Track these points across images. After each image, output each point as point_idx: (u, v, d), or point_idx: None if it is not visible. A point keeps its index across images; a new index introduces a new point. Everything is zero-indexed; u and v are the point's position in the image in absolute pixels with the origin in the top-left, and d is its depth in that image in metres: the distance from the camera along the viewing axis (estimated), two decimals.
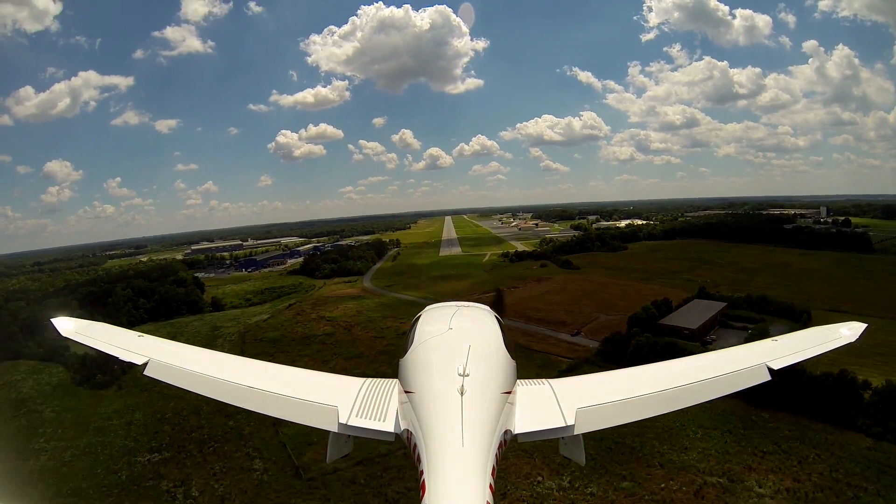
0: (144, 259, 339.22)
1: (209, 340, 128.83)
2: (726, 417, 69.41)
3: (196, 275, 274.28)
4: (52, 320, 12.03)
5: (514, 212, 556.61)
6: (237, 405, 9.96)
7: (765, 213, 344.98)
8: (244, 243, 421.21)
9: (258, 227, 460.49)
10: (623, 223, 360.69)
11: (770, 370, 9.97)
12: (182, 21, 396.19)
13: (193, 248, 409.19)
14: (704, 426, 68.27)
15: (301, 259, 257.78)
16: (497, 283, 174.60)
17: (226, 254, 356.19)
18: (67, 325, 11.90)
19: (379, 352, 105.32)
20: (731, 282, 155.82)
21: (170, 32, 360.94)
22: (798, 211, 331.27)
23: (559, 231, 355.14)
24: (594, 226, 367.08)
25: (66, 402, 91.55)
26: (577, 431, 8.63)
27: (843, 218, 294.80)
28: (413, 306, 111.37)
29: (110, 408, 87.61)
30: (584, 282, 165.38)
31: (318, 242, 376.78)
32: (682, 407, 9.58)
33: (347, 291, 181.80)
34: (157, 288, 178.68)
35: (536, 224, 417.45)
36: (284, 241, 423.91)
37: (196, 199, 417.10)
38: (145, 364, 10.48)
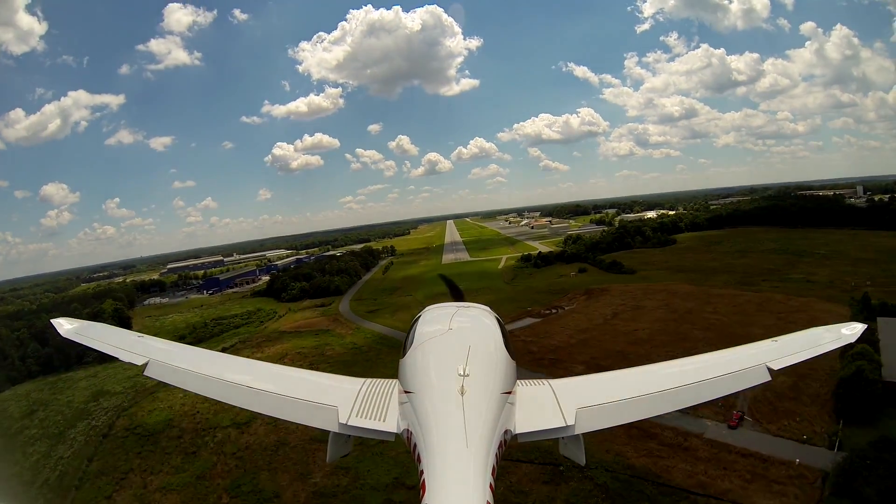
0: (119, 280, 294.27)
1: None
2: None
3: (151, 300, 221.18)
4: (52, 321, 11.47)
5: (518, 212, 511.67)
6: (238, 405, 9.65)
7: (803, 194, 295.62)
8: (226, 259, 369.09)
9: (259, 241, 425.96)
10: (650, 214, 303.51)
11: (770, 370, 9.59)
12: (166, 32, 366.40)
13: (171, 266, 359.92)
14: None
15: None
16: (527, 299, 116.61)
17: (200, 272, 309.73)
18: (67, 326, 11.29)
19: None
20: (868, 279, 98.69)
21: (154, 45, 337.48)
22: (833, 192, 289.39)
23: (579, 227, 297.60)
24: (618, 219, 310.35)
25: None
26: (577, 431, 8.33)
27: (887, 196, 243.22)
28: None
29: None
30: (661, 293, 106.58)
31: (305, 254, 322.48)
32: (682, 407, 9.34)
33: (313, 322, 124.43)
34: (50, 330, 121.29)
35: (550, 221, 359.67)
36: (270, 254, 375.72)
37: (196, 217, 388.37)
38: (145, 364, 10.03)
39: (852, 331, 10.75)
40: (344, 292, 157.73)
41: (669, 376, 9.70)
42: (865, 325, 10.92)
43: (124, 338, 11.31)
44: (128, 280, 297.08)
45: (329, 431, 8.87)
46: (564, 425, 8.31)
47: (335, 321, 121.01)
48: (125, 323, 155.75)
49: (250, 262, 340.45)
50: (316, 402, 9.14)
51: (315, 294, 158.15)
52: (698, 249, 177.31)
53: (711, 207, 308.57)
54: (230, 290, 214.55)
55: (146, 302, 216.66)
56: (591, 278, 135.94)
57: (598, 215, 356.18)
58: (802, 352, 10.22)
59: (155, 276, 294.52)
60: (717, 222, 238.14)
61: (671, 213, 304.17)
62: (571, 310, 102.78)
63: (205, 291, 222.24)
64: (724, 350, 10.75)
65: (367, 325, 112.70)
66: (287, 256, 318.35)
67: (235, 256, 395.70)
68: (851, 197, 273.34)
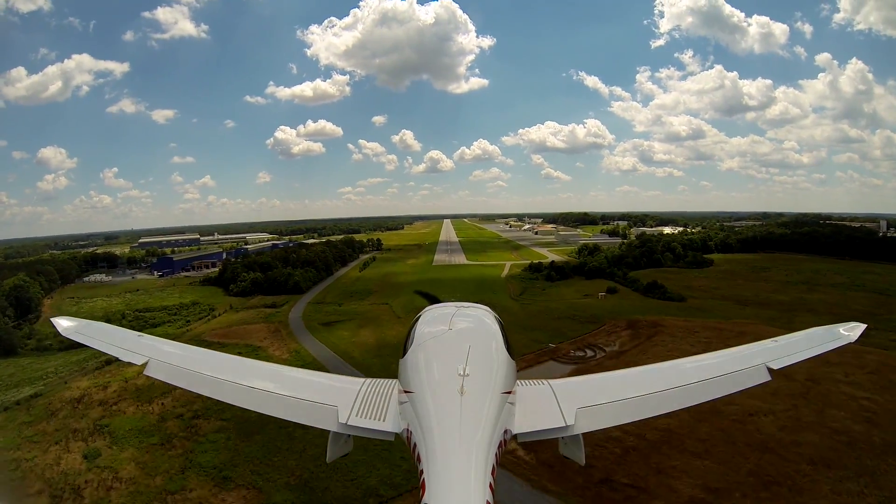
0: (91, 251, 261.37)
1: None
2: None
3: (94, 277, 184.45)
4: (52, 319, 11.38)
5: (518, 217, 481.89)
6: (238, 405, 9.50)
7: (838, 224, 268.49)
8: (203, 238, 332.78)
9: (257, 224, 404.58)
10: (667, 230, 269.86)
11: (770, 370, 9.53)
12: (174, 1, 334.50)
13: (143, 241, 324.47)
14: None
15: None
16: (544, 327, 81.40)
17: (169, 249, 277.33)
18: (66, 324, 11.34)
19: None
20: None
21: (161, 14, 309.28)
22: (853, 224, 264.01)
23: (589, 236, 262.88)
24: (631, 231, 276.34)
25: None
26: (576, 431, 8.28)
27: None
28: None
29: None
30: (747, 340, 70.89)
31: (287, 240, 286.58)
32: (682, 407, 9.14)
33: (248, 330, 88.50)
34: None
35: (556, 227, 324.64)
36: (250, 236, 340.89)
37: (194, 194, 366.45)
38: (145, 364, 10.00)
39: (852, 331, 10.58)
40: (304, 291, 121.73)
41: (669, 376, 9.49)
42: (865, 326, 10.66)
43: (124, 337, 11.13)
44: (98, 251, 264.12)
45: (329, 431, 8.65)
46: (564, 425, 8.11)
47: (275, 333, 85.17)
48: (24, 306, 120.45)
49: (226, 243, 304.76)
50: (316, 401, 8.96)
51: (269, 289, 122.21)
52: (745, 275, 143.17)
53: (736, 230, 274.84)
54: (184, 274, 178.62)
55: (87, 278, 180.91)
56: (627, 303, 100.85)
57: (608, 226, 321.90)
58: (802, 352, 10.06)
59: (126, 250, 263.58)
60: (749, 245, 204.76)
61: (693, 230, 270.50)
62: (615, 353, 67.50)
63: (155, 272, 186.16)
64: (724, 350, 10.66)
65: (315, 345, 77.12)
66: (267, 241, 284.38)
67: (216, 236, 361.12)
68: (880, 231, 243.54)
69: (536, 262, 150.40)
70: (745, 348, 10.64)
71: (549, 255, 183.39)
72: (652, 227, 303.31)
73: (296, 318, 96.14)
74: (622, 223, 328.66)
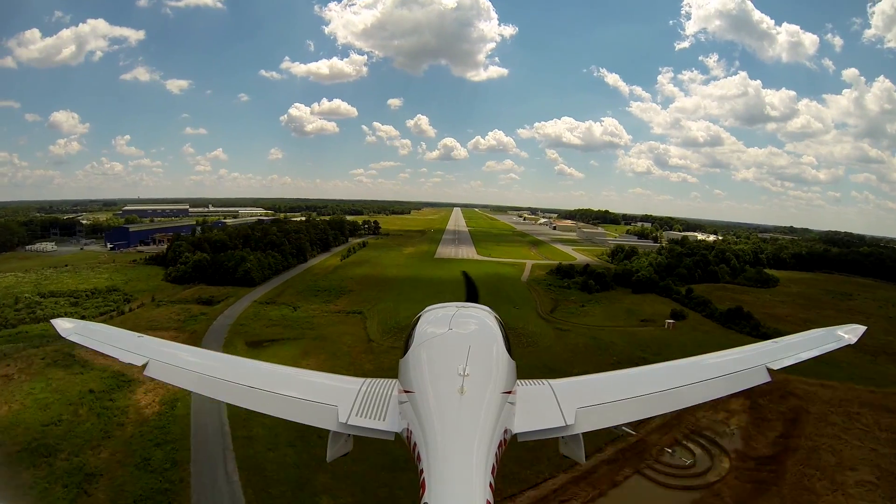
0: (69, 217, 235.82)
1: None
2: None
3: (37, 246, 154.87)
4: (52, 321, 11.14)
5: (532, 210, 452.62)
6: (238, 405, 9.21)
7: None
8: (192, 209, 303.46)
9: (267, 200, 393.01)
10: (699, 236, 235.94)
11: (769, 371, 9.30)
12: None
13: (126, 208, 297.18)
14: None
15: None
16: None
17: (152, 219, 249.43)
18: (65, 325, 10.91)
19: None
20: None
21: None
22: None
23: (616, 237, 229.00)
24: (660, 234, 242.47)
25: None
26: (576, 431, 8.19)
27: None
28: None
29: None
30: None
31: (280, 216, 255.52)
32: (682, 407, 9.06)
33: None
34: None
35: (576, 223, 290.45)
36: (243, 211, 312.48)
37: (205, 166, 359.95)
38: (145, 364, 9.59)
39: (851, 333, 10.52)
40: (258, 283, 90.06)
41: (670, 376, 9.39)
42: (864, 328, 10.51)
43: (124, 338, 10.83)
44: (80, 218, 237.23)
45: (329, 431, 8.48)
46: (564, 425, 8.13)
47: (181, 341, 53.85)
48: None
49: (213, 216, 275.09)
50: (316, 401, 8.78)
51: (214, 277, 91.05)
52: (827, 303, 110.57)
53: (765, 242, 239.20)
54: (139, 248, 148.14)
55: (30, 247, 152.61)
56: (709, 339, 68.35)
57: (634, 226, 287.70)
58: (802, 353, 10.01)
59: (105, 217, 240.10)
60: (805, 263, 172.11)
61: (727, 238, 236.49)
62: (741, 453, 34.91)
63: (107, 244, 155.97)
64: (724, 350, 10.51)
65: (200, 397, 45.20)
66: (257, 217, 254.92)
67: (210, 208, 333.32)
68: None
69: (567, 263, 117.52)
70: (745, 349, 10.39)
71: (576, 255, 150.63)
72: (679, 231, 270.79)
73: (222, 327, 64.92)
74: (646, 224, 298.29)
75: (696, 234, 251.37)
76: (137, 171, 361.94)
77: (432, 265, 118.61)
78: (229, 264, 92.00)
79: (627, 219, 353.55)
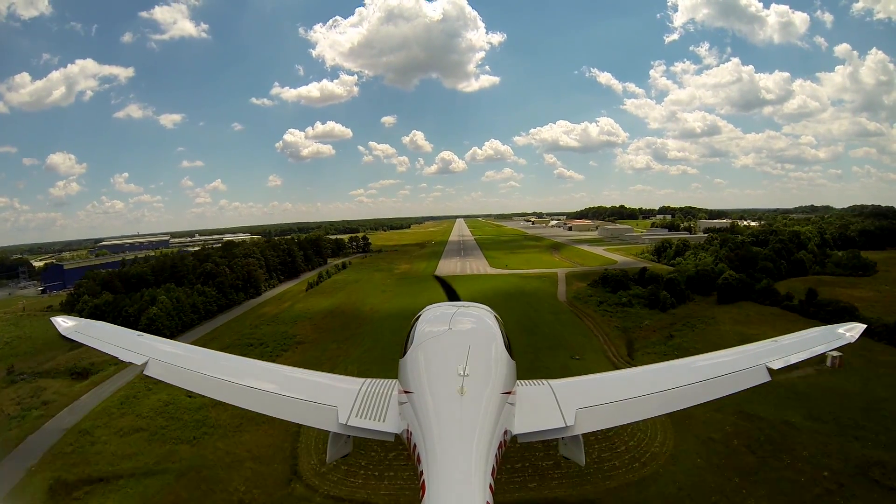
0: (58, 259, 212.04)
1: None
2: None
3: None
4: (52, 319, 11.01)
5: (537, 215, 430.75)
6: (238, 405, 9.02)
7: None
8: (174, 240, 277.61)
9: (269, 227, 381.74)
10: (744, 223, 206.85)
11: (769, 370, 9.17)
12: (171, 0, 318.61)
13: (104, 243, 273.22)
14: None
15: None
16: None
17: (136, 252, 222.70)
18: (66, 324, 10.89)
19: None
20: None
21: (159, 13, 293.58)
22: None
23: (643, 232, 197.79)
24: (695, 224, 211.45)
25: None
26: (576, 432, 8.08)
27: None
28: None
29: None
30: None
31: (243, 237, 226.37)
32: (682, 407, 8.85)
33: None
34: None
35: (593, 222, 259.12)
36: (228, 238, 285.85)
37: (205, 198, 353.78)
38: (145, 364, 9.52)
39: (851, 331, 10.33)
40: (174, 333, 59.66)
41: (670, 377, 9.25)
42: (864, 326, 10.40)
43: (124, 337, 10.72)
44: (61, 258, 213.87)
45: (329, 431, 8.36)
46: (564, 425, 7.97)
47: None
48: None
49: (193, 245, 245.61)
50: (316, 401, 8.63)
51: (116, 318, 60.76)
52: None
53: (827, 218, 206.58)
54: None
55: None
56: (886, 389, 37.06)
57: (660, 219, 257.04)
58: (802, 352, 9.78)
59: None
60: (876, 240, 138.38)
61: (786, 220, 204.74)
62: None
63: (43, 285, 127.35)
64: (723, 350, 10.34)
65: None
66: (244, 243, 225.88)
67: (196, 237, 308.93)
68: None
69: (611, 270, 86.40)
70: (745, 349, 10.11)
71: (612, 256, 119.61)
72: (706, 219, 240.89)
73: (35, 447, 34.05)
74: (665, 217, 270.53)
75: (724, 221, 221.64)
76: (139, 208, 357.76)
77: (430, 289, 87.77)
78: (130, 310, 61.73)
79: (644, 213, 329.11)
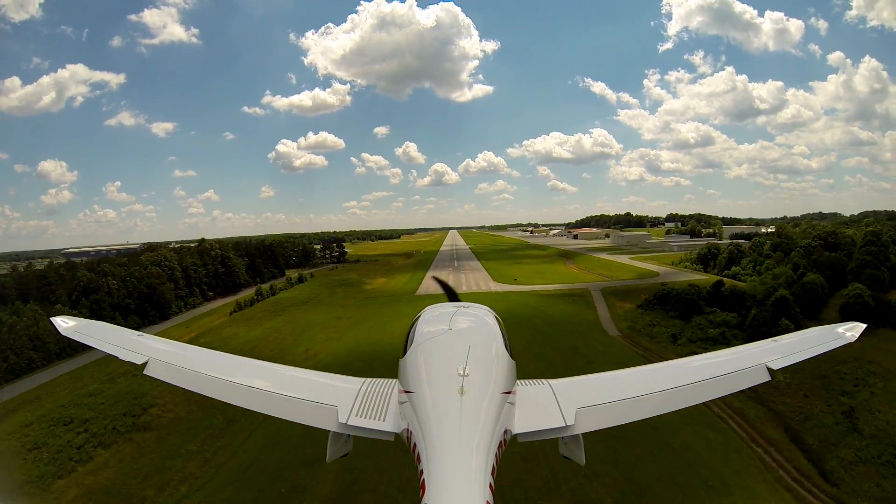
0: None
1: None
2: None
3: None
4: (52, 319, 10.38)
5: (533, 225, 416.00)
6: (237, 404, 8.85)
7: None
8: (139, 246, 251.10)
9: (262, 237, 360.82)
10: (764, 229, 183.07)
11: (769, 370, 8.78)
12: (160, 3, 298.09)
13: (70, 249, 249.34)
14: None
15: None
16: None
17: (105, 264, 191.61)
18: (66, 324, 10.21)
19: None
20: None
21: (148, 16, 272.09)
22: None
23: (660, 239, 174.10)
24: (717, 229, 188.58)
25: None
26: (576, 431, 7.98)
27: None
28: None
29: None
30: None
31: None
32: (682, 407, 8.59)
33: None
34: None
35: (600, 230, 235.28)
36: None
37: (198, 208, 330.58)
38: (145, 364, 9.10)
39: (852, 330, 9.72)
40: None
41: (669, 376, 8.98)
42: (864, 325, 9.69)
43: (124, 337, 10.41)
44: (34, 266, 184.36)
45: (328, 431, 8.36)
46: (564, 425, 7.90)
47: None
48: None
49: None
50: (315, 401, 8.55)
51: None
52: None
53: (866, 221, 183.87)
54: None
55: None
56: None
57: (676, 226, 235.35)
58: (803, 351, 9.28)
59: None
60: None
61: (817, 225, 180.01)
62: None
63: None
64: (723, 350, 10.07)
65: None
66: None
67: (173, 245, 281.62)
68: None
69: (668, 283, 61.07)
70: (745, 348, 9.74)
71: (646, 266, 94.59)
72: (716, 226, 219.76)
73: None
74: (674, 225, 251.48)
75: (749, 227, 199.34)
76: (131, 217, 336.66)
77: (406, 317, 62.51)
78: None
79: (651, 221, 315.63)
